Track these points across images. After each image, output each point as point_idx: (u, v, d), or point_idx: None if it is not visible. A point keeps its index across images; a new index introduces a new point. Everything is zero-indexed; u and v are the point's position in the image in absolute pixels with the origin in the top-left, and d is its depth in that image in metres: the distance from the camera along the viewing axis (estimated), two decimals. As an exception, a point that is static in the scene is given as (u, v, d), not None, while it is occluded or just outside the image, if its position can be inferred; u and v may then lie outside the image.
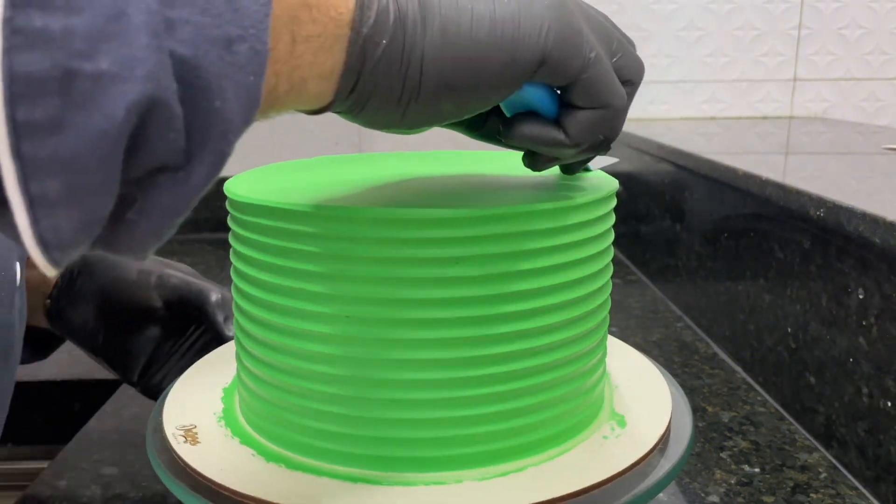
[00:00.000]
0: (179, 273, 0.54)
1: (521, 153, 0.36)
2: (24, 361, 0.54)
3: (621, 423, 0.38)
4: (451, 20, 0.28)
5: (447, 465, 0.34)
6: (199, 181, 0.23)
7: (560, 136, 0.32)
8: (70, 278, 0.52)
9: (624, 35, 0.33)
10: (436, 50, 0.28)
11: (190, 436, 0.39)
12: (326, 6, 0.26)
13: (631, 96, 0.33)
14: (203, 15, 0.21)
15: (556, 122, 0.32)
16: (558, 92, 0.32)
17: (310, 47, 0.26)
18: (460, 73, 0.29)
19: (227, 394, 0.42)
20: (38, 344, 0.55)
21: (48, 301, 0.52)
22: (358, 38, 0.27)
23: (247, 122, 0.23)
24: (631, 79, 0.33)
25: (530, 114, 0.33)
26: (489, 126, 0.36)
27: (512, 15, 0.29)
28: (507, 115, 0.34)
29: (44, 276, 0.52)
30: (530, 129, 0.32)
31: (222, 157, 0.23)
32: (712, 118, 1.24)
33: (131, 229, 0.23)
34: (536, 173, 0.40)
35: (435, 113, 0.30)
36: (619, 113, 0.32)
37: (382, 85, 0.28)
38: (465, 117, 0.31)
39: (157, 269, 0.53)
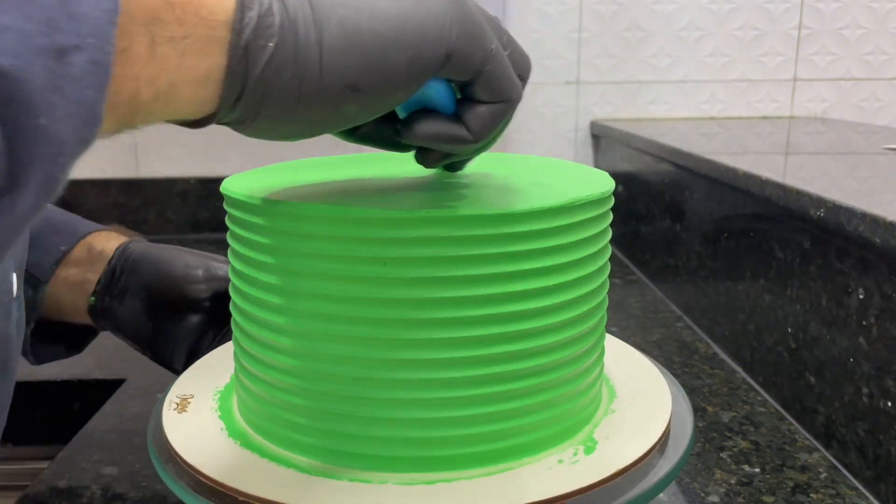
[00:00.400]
0: (224, 264, 0.55)
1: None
2: (59, 357, 0.56)
3: (589, 449, 0.36)
4: (348, 18, 0.27)
5: (379, 466, 0.34)
6: (25, 209, 0.20)
7: (462, 132, 0.31)
8: (112, 275, 0.53)
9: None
10: (336, 51, 0.27)
11: (182, 404, 0.41)
12: (195, 5, 0.25)
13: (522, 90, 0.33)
14: (28, 21, 0.19)
15: (455, 118, 0.32)
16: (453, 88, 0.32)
17: (174, 50, 0.24)
18: (364, 73, 0.27)
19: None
20: (73, 340, 0.57)
21: (92, 299, 0.53)
22: (239, 41, 0.25)
23: (85, 141, 0.21)
24: (522, 73, 0.33)
25: (427, 111, 0.32)
26: (363, 129, 0.35)
27: (413, 9, 0.28)
28: (401, 114, 0.33)
29: (84, 275, 0.53)
30: (431, 127, 0.32)
31: (53, 180, 0.21)
32: (712, 118, 1.24)
33: None
34: (534, 174, 0.40)
35: (336, 118, 0.29)
36: (515, 106, 0.32)
37: (276, 91, 0.27)
38: (368, 119, 0.30)
39: (202, 262, 0.54)
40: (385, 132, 0.35)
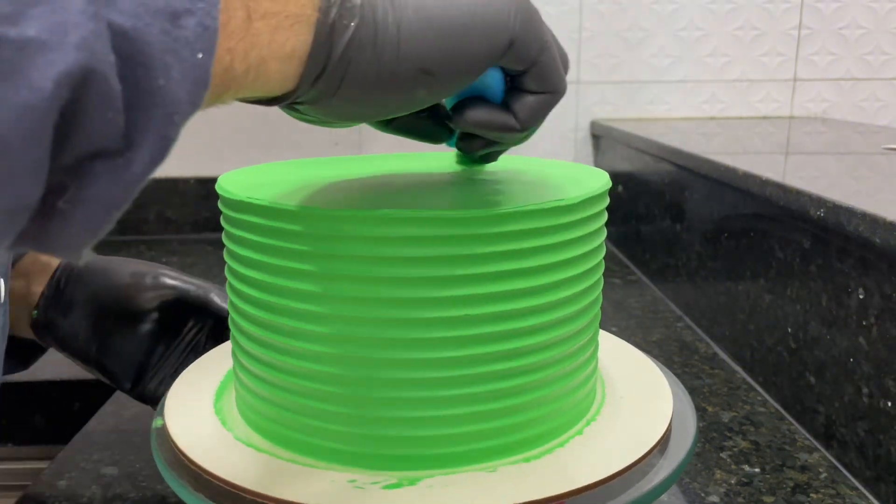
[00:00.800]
0: (174, 272, 0.53)
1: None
2: (6, 372, 0.52)
3: (585, 447, 0.36)
4: (424, 1, 0.28)
5: (375, 464, 0.35)
6: (139, 169, 0.21)
7: (511, 120, 0.33)
8: (57, 288, 0.51)
9: None
10: (413, 34, 0.27)
11: None
12: None
13: None
14: None
15: (503, 106, 0.33)
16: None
17: (267, 25, 0.25)
18: (438, 57, 0.28)
19: None
20: (20, 354, 0.54)
21: (35, 312, 0.51)
22: (326, 19, 0.26)
23: (195, 104, 0.22)
24: (564, 67, 0.34)
25: (477, 98, 0.33)
26: (400, 119, 0.35)
27: None
28: (450, 102, 0.34)
29: (28, 287, 0.51)
30: (482, 113, 0.33)
31: (167, 142, 0.21)
32: (712, 118, 1.24)
33: (63, 223, 0.21)
34: (530, 173, 0.40)
35: (406, 100, 0.29)
36: (560, 98, 0.33)
37: (355, 71, 0.27)
38: (432, 104, 0.31)
39: (150, 270, 0.52)
40: (420, 123, 0.36)
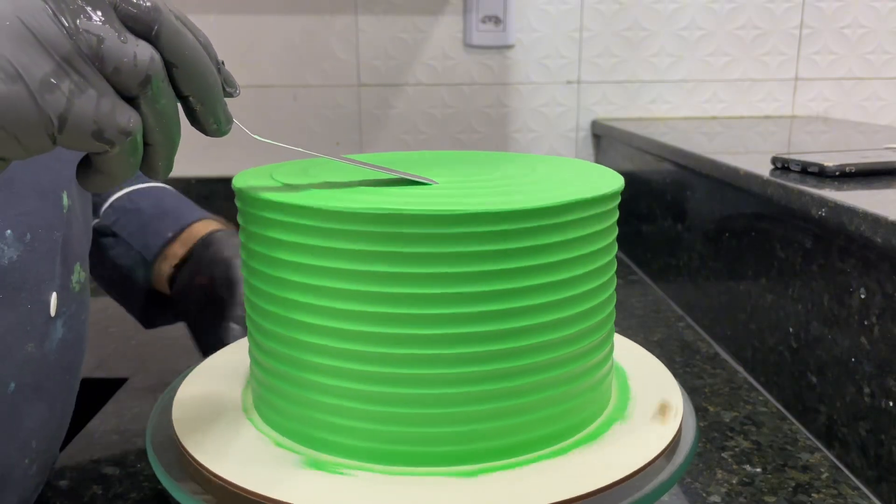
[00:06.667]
0: None
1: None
2: (167, 322, 0.64)
3: (597, 448, 0.36)
4: None
5: (383, 459, 0.35)
6: None
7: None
8: (192, 254, 0.58)
9: None
10: None
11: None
12: None
13: None
14: None
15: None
16: None
17: None
18: None
19: None
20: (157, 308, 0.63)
21: (171, 270, 0.59)
22: None
23: None
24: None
25: None
26: None
27: None
28: None
29: (175, 251, 0.59)
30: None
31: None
32: (714, 117, 1.24)
33: None
34: (541, 172, 0.40)
35: None
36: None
37: None
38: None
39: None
40: None
